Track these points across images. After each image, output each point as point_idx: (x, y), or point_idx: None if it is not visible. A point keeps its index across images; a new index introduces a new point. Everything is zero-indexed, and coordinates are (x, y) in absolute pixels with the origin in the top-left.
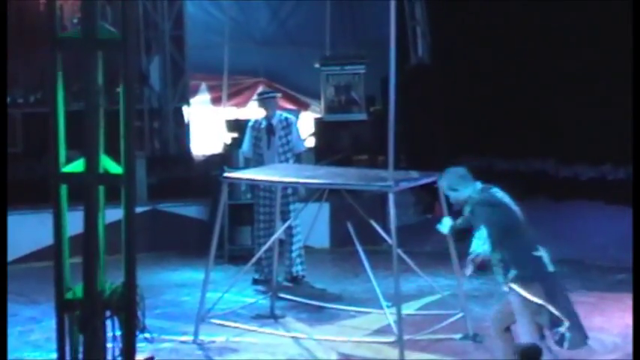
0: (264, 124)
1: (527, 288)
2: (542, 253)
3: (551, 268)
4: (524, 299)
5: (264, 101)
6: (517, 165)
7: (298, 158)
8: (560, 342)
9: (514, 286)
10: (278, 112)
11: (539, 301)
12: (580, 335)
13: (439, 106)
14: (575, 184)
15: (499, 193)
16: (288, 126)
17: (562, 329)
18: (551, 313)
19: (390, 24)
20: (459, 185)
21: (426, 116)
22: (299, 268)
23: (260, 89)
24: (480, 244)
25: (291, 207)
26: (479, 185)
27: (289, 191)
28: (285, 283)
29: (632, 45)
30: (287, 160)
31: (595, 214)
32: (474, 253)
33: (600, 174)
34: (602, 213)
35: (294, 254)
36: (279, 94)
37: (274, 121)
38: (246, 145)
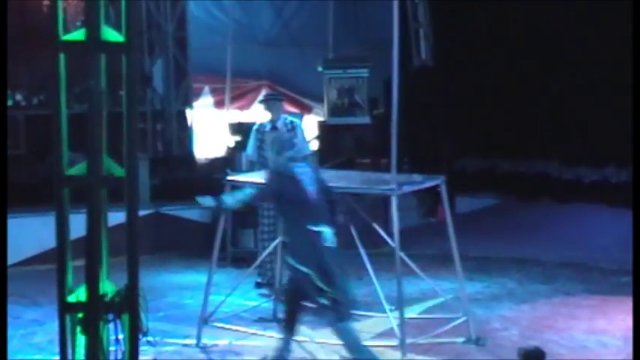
0: (268, 127)
1: (295, 257)
2: (324, 228)
3: (330, 243)
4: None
5: (269, 103)
6: (520, 167)
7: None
8: (319, 313)
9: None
10: (283, 115)
11: (304, 270)
12: (341, 312)
13: (442, 108)
14: (578, 187)
15: (300, 169)
16: (293, 129)
17: (323, 301)
18: (315, 285)
19: (393, 26)
20: (274, 149)
21: (429, 118)
22: None
23: (263, 92)
24: (237, 194)
25: None
26: (286, 158)
27: None
28: None
29: (633, 46)
30: None
31: (598, 217)
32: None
33: (603, 176)
34: (604, 215)
35: None
36: (284, 98)
37: (279, 124)
38: (250, 149)
